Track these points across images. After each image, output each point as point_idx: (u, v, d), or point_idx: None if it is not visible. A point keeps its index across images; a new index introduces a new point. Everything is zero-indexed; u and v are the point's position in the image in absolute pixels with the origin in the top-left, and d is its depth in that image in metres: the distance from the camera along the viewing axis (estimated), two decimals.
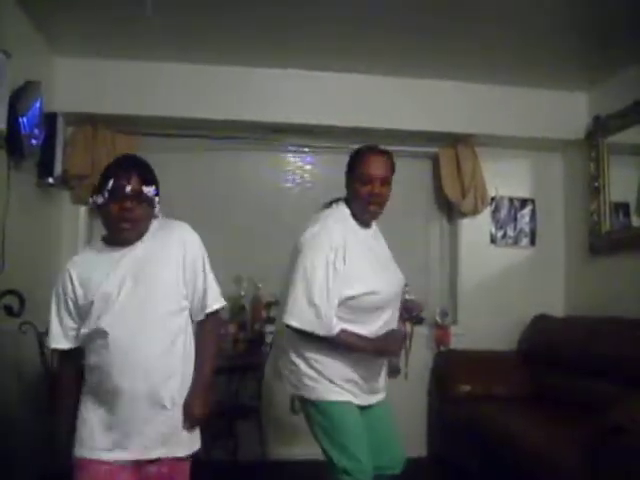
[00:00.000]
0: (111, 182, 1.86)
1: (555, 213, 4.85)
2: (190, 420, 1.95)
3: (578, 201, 4.60)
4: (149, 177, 1.95)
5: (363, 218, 2.51)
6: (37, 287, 3.74)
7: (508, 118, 4.48)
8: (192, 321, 2.03)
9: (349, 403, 2.46)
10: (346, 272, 2.35)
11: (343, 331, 2.36)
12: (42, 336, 3.22)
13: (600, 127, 4.32)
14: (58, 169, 3.88)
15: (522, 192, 4.85)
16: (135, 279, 1.88)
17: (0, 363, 3.17)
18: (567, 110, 4.55)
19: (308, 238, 2.37)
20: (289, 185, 4.67)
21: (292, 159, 4.73)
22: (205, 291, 2.01)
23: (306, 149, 4.59)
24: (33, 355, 3.25)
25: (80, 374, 1.94)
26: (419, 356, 4.52)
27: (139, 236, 1.94)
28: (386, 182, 2.47)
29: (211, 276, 2.05)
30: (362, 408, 2.55)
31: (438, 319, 4.57)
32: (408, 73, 4.32)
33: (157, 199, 1.96)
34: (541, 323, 4.49)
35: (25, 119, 3.21)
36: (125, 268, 1.89)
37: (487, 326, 4.53)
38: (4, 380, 3.24)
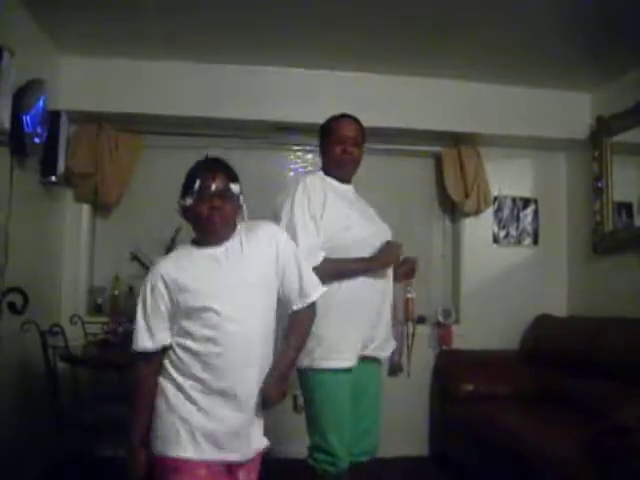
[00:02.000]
0: (198, 183, 1.89)
1: (558, 213, 4.85)
2: (266, 404, 1.95)
3: (581, 201, 4.60)
4: (233, 175, 1.97)
5: (338, 174, 2.69)
6: (40, 285, 3.76)
7: (511, 118, 4.47)
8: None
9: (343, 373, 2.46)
10: (329, 222, 2.49)
11: (325, 260, 2.43)
12: (45, 334, 3.23)
13: (603, 127, 4.32)
14: (61, 167, 3.89)
15: (525, 192, 4.84)
16: (233, 277, 1.90)
17: (3, 361, 3.17)
18: (571, 110, 4.54)
19: (282, 196, 2.56)
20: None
21: (295, 158, 4.73)
22: (304, 280, 2.04)
23: (309, 148, 4.58)
24: (36, 352, 3.25)
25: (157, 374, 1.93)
26: (421, 355, 4.55)
27: (229, 234, 1.96)
28: (357, 144, 2.70)
29: (307, 266, 2.10)
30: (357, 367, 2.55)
31: (440, 318, 4.57)
32: (411, 72, 4.32)
33: (242, 197, 1.98)
34: (544, 323, 4.49)
35: (28, 117, 3.20)
36: (224, 267, 1.91)
37: (489, 325, 4.53)
38: (6, 378, 3.25)
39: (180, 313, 1.88)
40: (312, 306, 2.09)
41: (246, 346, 1.87)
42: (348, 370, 2.47)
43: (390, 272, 2.70)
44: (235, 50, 4.02)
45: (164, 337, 1.90)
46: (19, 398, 3.41)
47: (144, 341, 1.89)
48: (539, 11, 3.35)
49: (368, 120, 4.28)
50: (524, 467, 3.05)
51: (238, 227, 2.00)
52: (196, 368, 1.85)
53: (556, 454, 2.91)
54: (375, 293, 2.58)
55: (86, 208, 4.40)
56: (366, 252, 2.56)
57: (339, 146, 2.66)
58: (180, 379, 1.86)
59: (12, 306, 3.09)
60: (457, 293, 4.78)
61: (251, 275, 1.92)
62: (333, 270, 2.44)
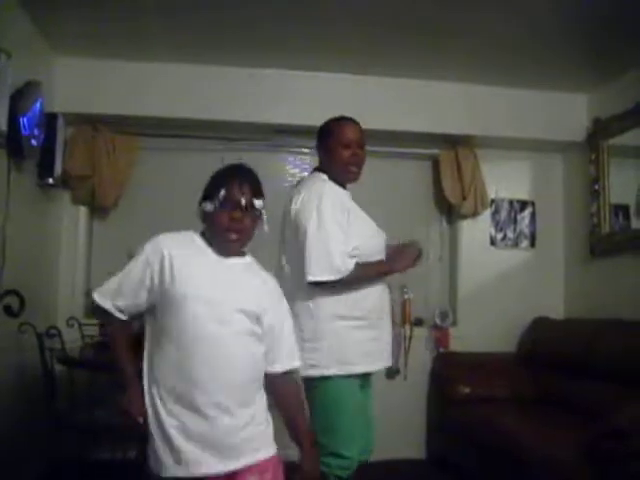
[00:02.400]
0: (223, 191, 1.86)
1: (555, 215, 4.85)
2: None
3: (578, 203, 4.60)
4: (260, 189, 1.94)
5: (344, 180, 2.68)
6: (37, 287, 3.76)
7: (508, 120, 4.48)
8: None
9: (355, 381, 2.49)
10: (358, 229, 2.51)
11: (357, 265, 2.44)
12: (42, 336, 3.23)
13: (600, 129, 4.32)
14: (58, 169, 3.88)
15: (522, 194, 4.85)
16: (229, 293, 1.86)
17: (0, 363, 3.17)
18: (567, 112, 4.55)
19: (306, 202, 2.52)
20: (290, 186, 4.64)
21: (293, 160, 4.72)
22: (291, 344, 2.00)
23: (307, 150, 4.58)
24: (33, 355, 3.24)
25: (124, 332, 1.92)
26: (418, 358, 4.54)
27: (241, 249, 1.94)
28: (362, 146, 2.70)
29: (294, 334, 2.03)
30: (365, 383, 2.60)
31: (437, 321, 4.57)
32: (408, 74, 4.32)
33: (264, 212, 1.94)
34: (541, 325, 4.49)
35: (25, 119, 3.20)
36: (223, 278, 1.88)
37: (487, 328, 4.53)
38: (3, 380, 3.24)
39: (161, 299, 1.83)
40: (288, 374, 2.00)
41: (224, 360, 1.80)
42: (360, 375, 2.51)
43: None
44: (233, 52, 4.02)
45: (125, 305, 1.86)
46: (16, 400, 3.40)
47: (104, 297, 1.87)
48: (536, 13, 3.36)
49: (366, 123, 4.28)
50: (522, 469, 3.05)
51: (249, 258, 1.98)
52: (169, 373, 1.81)
53: (553, 456, 2.91)
54: (385, 300, 2.63)
55: (83, 210, 4.40)
56: (378, 256, 2.60)
57: (347, 150, 2.62)
58: (155, 390, 1.83)
59: (9, 309, 3.09)
60: (454, 295, 4.78)
61: (246, 302, 1.87)
62: (362, 274, 2.46)
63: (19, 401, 3.43)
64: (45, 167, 3.78)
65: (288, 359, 1.97)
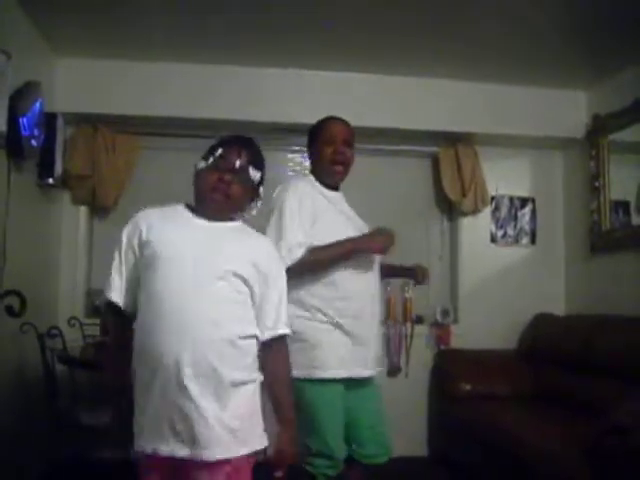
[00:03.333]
0: (220, 150, 1.82)
1: (555, 212, 4.85)
2: (281, 464, 1.85)
3: (578, 200, 4.60)
4: (259, 161, 1.89)
5: (329, 179, 2.64)
6: (38, 287, 3.76)
7: (508, 117, 4.48)
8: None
9: (333, 384, 2.44)
10: (320, 232, 2.45)
11: (312, 249, 2.39)
12: (43, 336, 3.23)
13: (600, 126, 4.32)
14: (58, 169, 3.88)
15: (522, 191, 4.85)
16: (209, 258, 1.74)
17: (1, 364, 3.17)
18: (567, 109, 4.55)
19: (275, 196, 2.52)
20: None
21: (293, 158, 4.72)
22: (280, 310, 1.85)
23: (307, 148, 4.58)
24: (34, 355, 3.25)
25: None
26: (419, 355, 4.55)
27: (226, 216, 1.85)
28: (349, 144, 2.62)
29: (285, 300, 1.88)
30: (350, 383, 2.53)
31: (438, 318, 4.57)
32: (407, 72, 4.32)
33: (260, 189, 1.90)
34: (542, 322, 4.49)
35: (25, 120, 3.20)
36: (204, 243, 1.77)
37: (488, 325, 4.54)
38: (5, 380, 3.25)
39: (142, 264, 1.77)
40: (284, 345, 1.88)
41: (188, 320, 1.66)
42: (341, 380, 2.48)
43: (376, 270, 2.67)
44: (232, 51, 4.02)
45: (118, 290, 1.80)
46: (17, 400, 3.40)
47: (111, 291, 1.81)
48: (535, 10, 3.36)
49: (365, 120, 4.34)
50: (523, 466, 3.05)
51: (239, 223, 1.90)
52: (141, 332, 1.73)
53: (555, 453, 2.91)
54: (370, 303, 2.57)
55: (83, 210, 4.40)
56: (351, 263, 2.50)
57: (329, 147, 2.59)
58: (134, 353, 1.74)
59: (10, 309, 3.09)
60: (455, 293, 4.78)
61: (228, 266, 1.74)
62: (321, 256, 2.40)
63: (20, 401, 3.44)
64: (45, 167, 3.78)
65: (273, 325, 1.82)
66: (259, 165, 1.88)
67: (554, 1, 3.28)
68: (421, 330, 4.59)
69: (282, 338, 1.87)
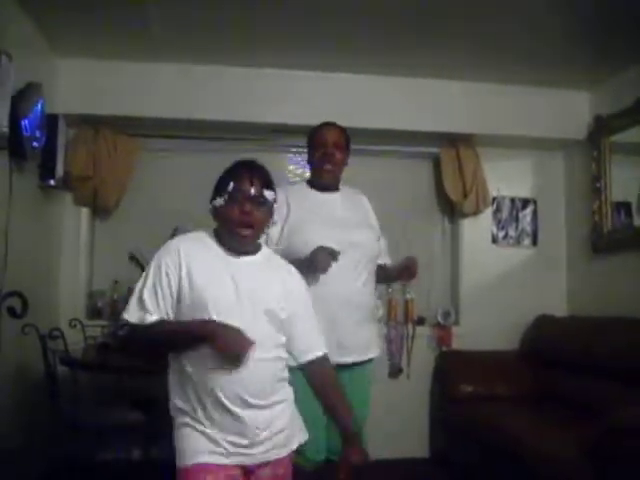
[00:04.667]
0: (232, 185, 1.83)
1: (557, 213, 4.85)
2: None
3: (580, 201, 4.60)
4: (270, 181, 1.90)
5: (320, 181, 2.75)
6: (40, 289, 3.76)
7: (509, 118, 4.47)
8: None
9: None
10: (292, 222, 2.60)
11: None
12: (45, 338, 3.23)
13: (602, 127, 4.32)
14: (60, 171, 3.88)
15: (524, 192, 4.85)
16: (243, 291, 1.82)
17: (2, 365, 3.17)
18: (569, 110, 4.55)
19: None
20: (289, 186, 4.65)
21: (292, 160, 4.73)
22: (316, 332, 1.98)
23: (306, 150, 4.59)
24: (35, 357, 3.25)
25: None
26: (421, 356, 4.55)
27: (255, 245, 1.92)
28: (339, 147, 2.74)
29: (317, 322, 1.99)
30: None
31: (440, 319, 4.57)
32: (409, 73, 4.32)
33: (275, 205, 1.92)
34: (543, 323, 4.49)
35: (27, 121, 3.20)
36: (237, 280, 1.83)
37: (489, 326, 4.53)
38: (6, 381, 3.25)
39: (181, 300, 1.80)
40: (326, 360, 1.99)
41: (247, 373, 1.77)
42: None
43: (358, 272, 2.68)
44: (232, 52, 4.03)
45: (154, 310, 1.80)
46: (19, 401, 3.40)
47: (133, 313, 1.81)
48: (536, 10, 3.35)
49: (366, 122, 4.35)
50: (524, 468, 3.05)
51: (263, 248, 1.95)
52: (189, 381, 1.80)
53: (556, 455, 2.91)
54: (331, 296, 2.56)
55: (85, 211, 4.40)
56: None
57: (319, 150, 2.73)
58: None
59: (12, 310, 3.09)
60: (456, 294, 4.78)
61: (263, 300, 1.84)
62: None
63: (22, 402, 3.44)
64: (47, 168, 3.79)
65: (316, 346, 1.96)
66: (271, 185, 1.90)
67: (556, 1, 3.27)
68: (422, 331, 4.59)
69: (326, 357, 1.98)
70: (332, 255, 2.49)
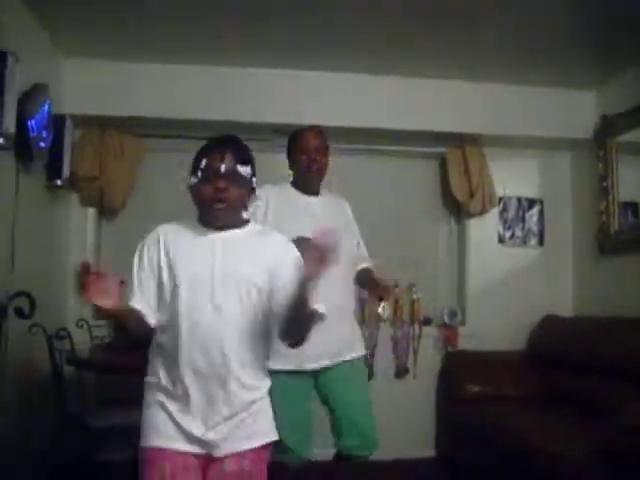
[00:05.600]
0: (204, 162, 1.81)
1: (563, 213, 4.84)
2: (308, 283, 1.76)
3: (586, 201, 4.58)
4: (245, 156, 1.86)
5: (305, 185, 2.84)
6: (47, 289, 3.77)
7: (516, 118, 4.46)
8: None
9: (281, 375, 2.44)
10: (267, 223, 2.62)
11: None
12: (52, 338, 3.24)
13: (608, 126, 4.30)
14: (66, 171, 3.89)
15: (530, 192, 4.84)
16: (219, 266, 1.80)
17: (10, 364, 3.18)
18: (575, 109, 4.53)
19: None
20: None
21: None
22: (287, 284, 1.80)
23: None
24: (43, 357, 3.26)
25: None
26: (427, 357, 4.55)
27: (234, 220, 1.87)
28: (320, 151, 2.83)
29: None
30: (319, 375, 2.68)
31: (446, 319, 4.56)
32: (414, 73, 4.32)
33: (254, 180, 1.88)
34: (550, 323, 4.48)
35: (33, 122, 3.22)
36: (216, 257, 1.81)
37: (495, 326, 4.52)
38: (14, 381, 3.26)
39: (163, 282, 1.82)
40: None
41: (211, 341, 1.75)
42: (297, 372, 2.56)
43: (332, 275, 2.68)
44: (236, 53, 4.03)
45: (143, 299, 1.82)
46: (25, 401, 3.41)
47: (135, 299, 1.82)
48: (543, 11, 3.35)
49: (372, 122, 4.35)
50: (531, 468, 3.05)
51: (252, 224, 1.92)
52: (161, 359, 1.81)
53: (564, 455, 2.90)
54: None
55: (91, 212, 4.42)
56: None
57: (303, 155, 2.80)
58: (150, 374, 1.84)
59: (19, 310, 3.10)
60: (463, 294, 4.77)
61: (240, 274, 1.80)
62: None
63: (28, 402, 3.45)
64: (53, 169, 3.79)
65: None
66: (246, 160, 1.85)
67: (562, 1, 3.26)
68: (429, 331, 4.59)
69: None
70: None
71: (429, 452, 4.49)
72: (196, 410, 1.76)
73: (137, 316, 1.81)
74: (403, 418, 4.35)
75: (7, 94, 2.92)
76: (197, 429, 1.76)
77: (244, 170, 1.83)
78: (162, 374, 1.81)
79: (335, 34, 3.75)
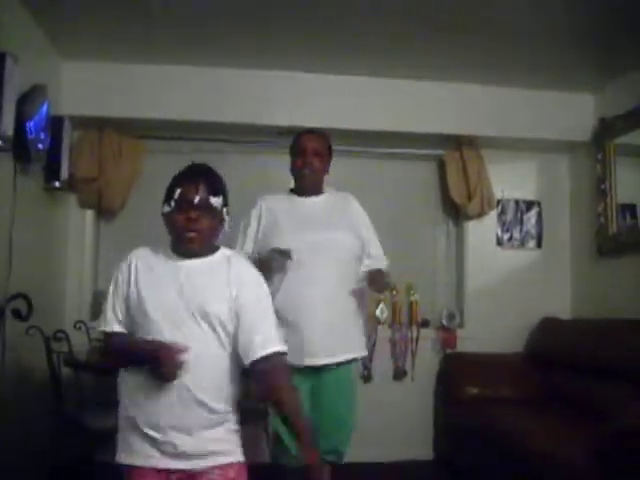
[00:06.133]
0: (178, 191, 1.84)
1: (561, 215, 4.84)
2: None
3: (585, 203, 4.59)
4: (217, 187, 1.89)
5: (299, 186, 2.89)
6: (44, 291, 3.77)
7: (514, 120, 4.47)
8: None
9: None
10: (266, 228, 2.80)
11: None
12: (49, 339, 3.24)
13: (606, 129, 4.31)
14: (64, 173, 3.88)
15: (528, 194, 4.84)
16: (183, 294, 1.82)
17: (8, 366, 3.18)
18: (573, 112, 4.54)
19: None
20: None
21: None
22: (263, 333, 1.85)
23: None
24: (40, 358, 3.25)
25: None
26: (425, 359, 4.55)
27: (204, 249, 1.89)
28: (317, 154, 2.85)
29: (271, 320, 1.89)
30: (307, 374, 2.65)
31: (444, 322, 4.57)
32: (413, 75, 4.32)
33: (225, 210, 1.89)
34: (548, 325, 4.48)
35: (32, 123, 3.21)
36: (183, 287, 1.83)
37: (494, 328, 4.52)
38: (11, 383, 3.25)
39: (130, 306, 1.87)
40: (280, 361, 1.86)
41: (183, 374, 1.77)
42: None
43: (330, 273, 2.71)
44: (238, 54, 4.03)
45: (115, 321, 1.90)
46: (23, 403, 3.40)
47: (106, 322, 1.90)
48: (541, 13, 3.35)
49: (371, 124, 4.35)
50: (530, 471, 3.04)
51: (221, 251, 1.93)
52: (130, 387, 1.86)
53: (563, 458, 2.90)
54: (307, 297, 2.65)
55: (90, 213, 4.41)
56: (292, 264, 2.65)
57: (299, 158, 2.85)
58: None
59: (17, 312, 3.09)
60: (461, 296, 4.77)
61: (205, 303, 1.81)
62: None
63: (26, 404, 3.44)
64: (51, 170, 3.78)
65: (262, 345, 1.82)
66: (218, 191, 1.88)
67: (560, 4, 3.27)
68: (427, 333, 4.58)
69: (278, 355, 1.85)
70: (284, 255, 2.61)
71: (427, 454, 4.49)
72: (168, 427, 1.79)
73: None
74: (401, 420, 4.35)
75: (5, 95, 2.91)
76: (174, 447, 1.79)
77: (216, 201, 1.86)
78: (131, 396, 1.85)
79: (334, 36, 3.75)
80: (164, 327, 1.79)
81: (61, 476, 3.69)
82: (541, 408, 3.91)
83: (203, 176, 1.88)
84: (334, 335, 2.68)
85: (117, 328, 1.89)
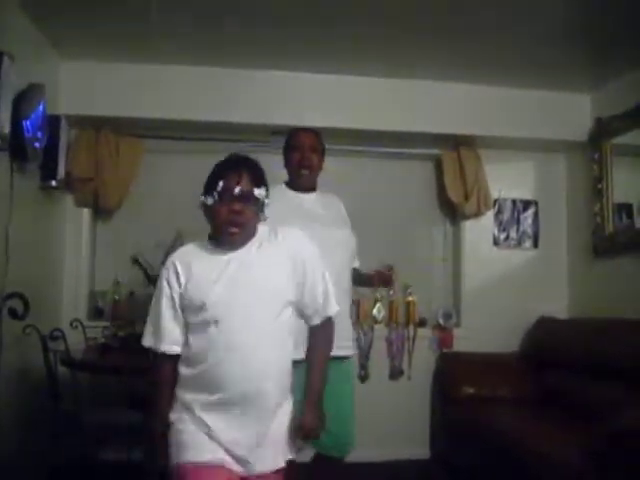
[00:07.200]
0: (221, 183, 1.81)
1: (558, 215, 4.85)
2: (304, 435, 1.88)
3: (581, 203, 4.60)
4: (260, 178, 1.87)
5: (297, 183, 2.86)
6: (41, 290, 3.76)
7: (511, 120, 4.47)
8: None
9: None
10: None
11: None
12: (46, 338, 3.23)
13: (603, 129, 4.32)
14: (61, 172, 3.88)
15: (525, 194, 4.85)
16: (239, 284, 1.81)
17: (4, 366, 3.17)
18: (570, 112, 4.54)
19: None
20: None
21: None
22: (322, 297, 1.92)
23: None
24: (37, 357, 3.25)
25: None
26: (422, 358, 4.55)
27: (247, 239, 1.87)
28: (314, 150, 2.86)
29: (329, 283, 1.95)
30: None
31: (441, 321, 4.57)
32: (411, 75, 4.32)
33: (267, 201, 1.88)
34: (544, 325, 4.48)
35: (28, 122, 3.21)
36: (232, 272, 1.82)
37: (490, 328, 4.52)
38: (8, 382, 3.25)
39: (186, 307, 1.82)
40: (329, 323, 1.98)
41: (246, 358, 1.76)
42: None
43: (339, 270, 2.71)
44: (233, 54, 4.03)
45: (173, 338, 1.84)
46: (20, 402, 3.40)
47: (149, 339, 1.87)
48: (538, 13, 3.35)
49: (368, 123, 4.35)
50: (525, 470, 3.05)
51: (261, 229, 1.91)
52: (192, 380, 1.80)
53: (558, 458, 2.90)
54: None
55: (86, 212, 4.40)
56: None
57: (296, 154, 2.84)
58: (181, 393, 1.83)
59: (13, 311, 3.09)
60: (458, 296, 4.78)
61: (260, 283, 1.82)
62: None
63: (23, 402, 3.44)
64: (48, 169, 3.78)
65: (321, 309, 1.94)
66: (261, 181, 1.87)
67: (557, 4, 3.27)
68: (424, 333, 4.59)
69: (329, 320, 1.97)
70: None
71: (424, 453, 4.49)
72: (233, 427, 1.78)
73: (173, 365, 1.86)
74: (398, 419, 4.35)
75: (2, 94, 2.92)
76: (240, 449, 1.78)
77: (259, 192, 1.84)
78: (194, 390, 1.81)
79: (332, 37, 3.75)
80: (234, 318, 1.77)
81: (59, 475, 3.69)
82: (537, 407, 3.93)
83: (246, 167, 1.86)
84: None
85: (169, 348, 1.85)
